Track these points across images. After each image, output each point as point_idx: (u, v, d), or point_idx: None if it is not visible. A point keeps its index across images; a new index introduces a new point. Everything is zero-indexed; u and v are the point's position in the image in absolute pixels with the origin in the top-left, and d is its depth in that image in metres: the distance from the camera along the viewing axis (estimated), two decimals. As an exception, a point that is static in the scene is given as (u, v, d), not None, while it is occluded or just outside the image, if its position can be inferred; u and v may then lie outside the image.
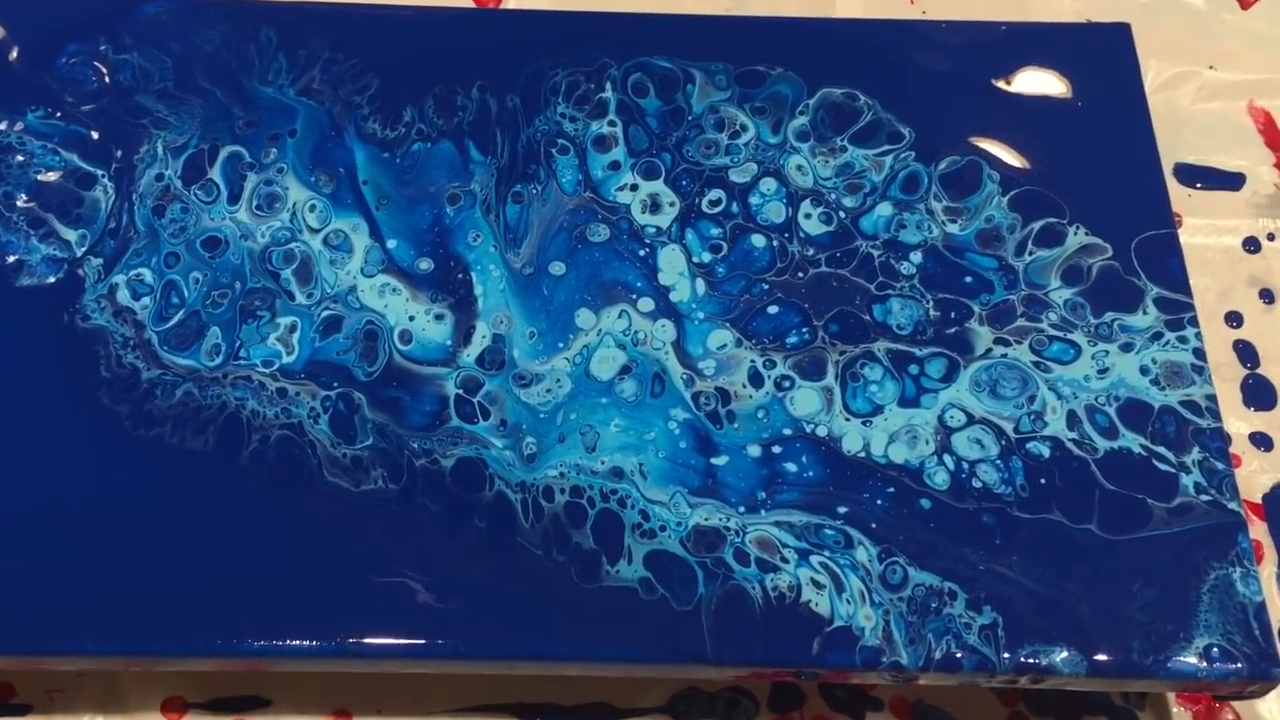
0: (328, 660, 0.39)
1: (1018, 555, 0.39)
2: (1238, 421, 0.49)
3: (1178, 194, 0.53)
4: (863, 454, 0.41)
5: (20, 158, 0.46)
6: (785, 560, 0.39)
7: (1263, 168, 0.54)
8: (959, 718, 0.44)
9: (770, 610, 0.39)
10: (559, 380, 0.42)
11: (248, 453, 0.41)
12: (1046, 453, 0.41)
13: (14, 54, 0.48)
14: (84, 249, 0.44)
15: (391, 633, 0.38)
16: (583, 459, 0.41)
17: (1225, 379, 0.49)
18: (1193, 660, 0.38)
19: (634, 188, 0.46)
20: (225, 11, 0.49)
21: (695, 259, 0.45)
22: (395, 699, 0.44)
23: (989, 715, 0.44)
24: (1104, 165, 0.47)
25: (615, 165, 0.47)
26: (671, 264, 0.45)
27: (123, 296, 0.43)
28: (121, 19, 0.49)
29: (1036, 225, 0.45)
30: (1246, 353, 0.50)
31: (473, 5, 0.56)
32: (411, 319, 0.43)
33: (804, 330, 0.43)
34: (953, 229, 0.45)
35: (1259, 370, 0.50)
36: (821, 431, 0.41)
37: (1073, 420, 0.42)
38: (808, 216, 0.46)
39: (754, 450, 0.41)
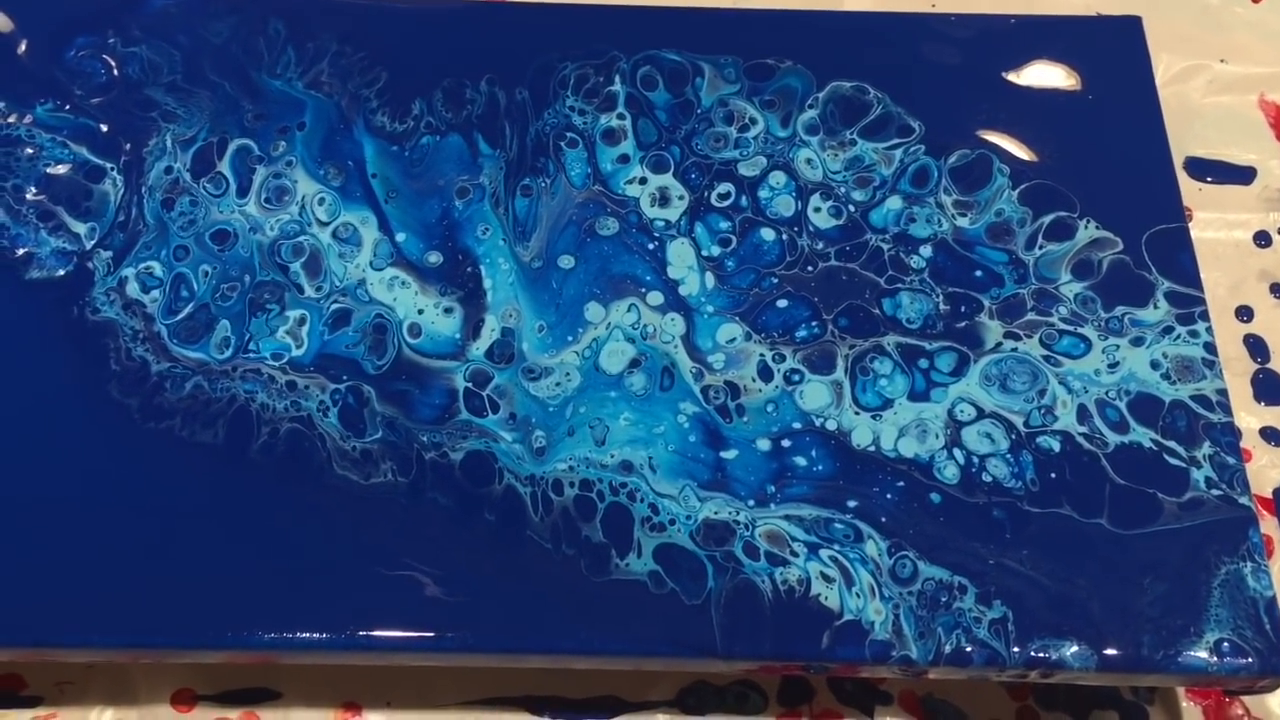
0: (337, 653, 0.39)
1: (1028, 550, 0.39)
2: (1248, 416, 0.49)
3: (1188, 188, 0.53)
4: (872, 448, 0.41)
5: (29, 150, 0.46)
6: (795, 554, 0.39)
7: (1273, 162, 0.54)
8: (968, 712, 0.44)
9: (780, 604, 0.39)
10: (568, 374, 0.42)
11: (257, 445, 0.41)
12: (1057, 447, 0.41)
13: (23, 47, 0.48)
14: (93, 242, 0.44)
15: (401, 625, 0.38)
16: (592, 452, 0.41)
17: (1236, 373, 0.49)
18: (1203, 655, 0.38)
19: (643, 181, 0.46)
20: (234, 4, 0.49)
21: (704, 252, 0.45)
22: (404, 692, 0.44)
23: (999, 709, 0.44)
24: (1114, 159, 0.47)
25: (624, 158, 0.47)
26: (681, 257, 0.45)
27: (132, 289, 0.44)
28: (130, 12, 0.49)
29: (1047, 219, 0.45)
30: (1257, 347, 0.50)
31: (481, -2, 0.56)
32: (420, 312, 0.43)
33: (813, 324, 0.43)
34: (963, 223, 0.45)
35: (1270, 365, 0.50)
36: (831, 425, 0.41)
37: (1083, 414, 0.42)
38: (817, 210, 0.46)
39: (763, 444, 0.41)
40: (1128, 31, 0.50)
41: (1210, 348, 0.43)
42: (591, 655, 0.39)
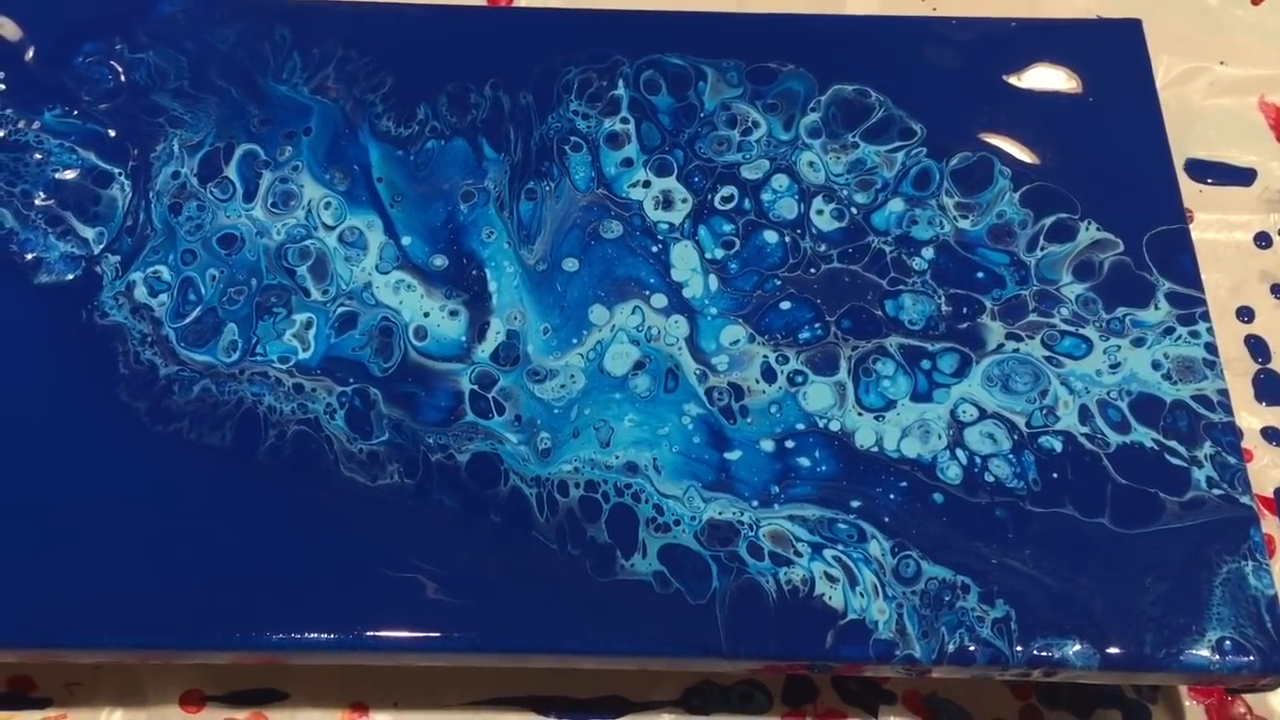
0: (344, 653, 0.39)
1: (1030, 549, 0.40)
2: (1249, 416, 0.49)
3: (1189, 189, 0.53)
4: (875, 448, 0.41)
5: (38, 156, 0.46)
6: (799, 554, 0.39)
7: (1274, 163, 0.54)
8: (972, 711, 0.44)
9: (784, 604, 0.39)
10: (573, 376, 0.43)
11: (264, 448, 0.41)
12: (1059, 447, 0.41)
13: (31, 53, 0.48)
14: (101, 246, 0.45)
15: (407, 626, 0.39)
16: (597, 454, 0.41)
17: (1237, 374, 0.49)
18: (1205, 653, 0.38)
19: (647, 184, 0.46)
20: (240, 10, 0.49)
21: (708, 255, 0.45)
22: (411, 692, 0.44)
23: (1002, 708, 0.44)
24: (1115, 161, 0.47)
25: (628, 162, 0.47)
26: (684, 260, 0.45)
27: (140, 293, 0.44)
28: (137, 18, 0.49)
29: (1048, 221, 0.46)
30: (1258, 347, 0.50)
31: (485, 3, 0.56)
32: (426, 315, 0.44)
33: (816, 326, 0.44)
34: (964, 225, 0.46)
35: (1270, 365, 0.50)
36: (834, 426, 0.42)
37: (1085, 415, 0.42)
38: (820, 212, 0.46)
39: (767, 445, 0.41)
40: (1128, 34, 0.50)
41: (1211, 348, 0.43)
42: (597, 655, 0.39)
